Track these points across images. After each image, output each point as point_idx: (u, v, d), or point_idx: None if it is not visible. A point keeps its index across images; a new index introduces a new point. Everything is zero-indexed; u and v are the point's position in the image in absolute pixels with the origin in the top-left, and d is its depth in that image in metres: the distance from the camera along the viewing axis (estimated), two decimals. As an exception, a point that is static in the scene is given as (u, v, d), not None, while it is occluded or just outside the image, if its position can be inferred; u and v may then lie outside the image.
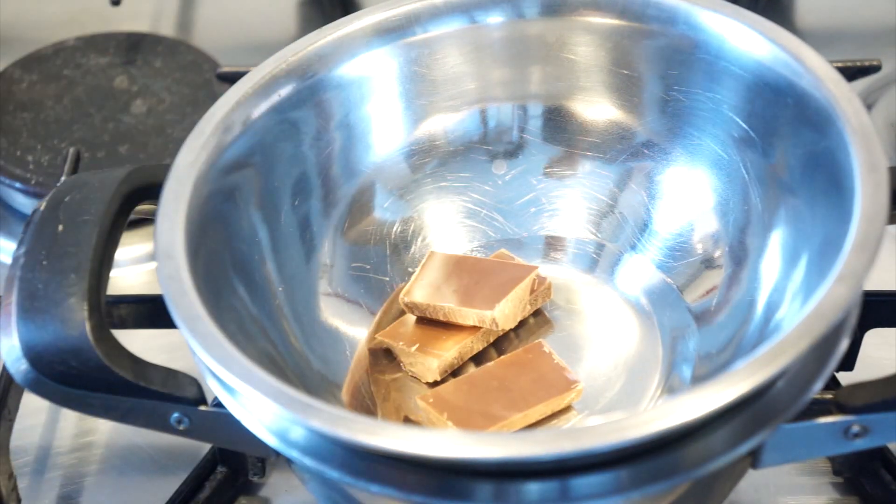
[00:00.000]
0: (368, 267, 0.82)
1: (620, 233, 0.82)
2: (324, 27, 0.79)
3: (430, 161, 0.84)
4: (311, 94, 0.78)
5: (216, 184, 0.73)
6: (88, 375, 0.68)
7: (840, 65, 0.95)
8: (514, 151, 0.84)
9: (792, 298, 0.71)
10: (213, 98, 0.76)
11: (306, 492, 0.76)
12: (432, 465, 0.62)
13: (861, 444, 0.68)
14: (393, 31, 0.80)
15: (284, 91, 0.77)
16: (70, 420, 0.87)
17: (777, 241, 0.75)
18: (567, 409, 0.75)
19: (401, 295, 0.79)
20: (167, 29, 1.16)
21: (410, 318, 0.79)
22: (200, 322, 0.65)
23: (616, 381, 0.77)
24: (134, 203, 0.76)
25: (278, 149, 0.77)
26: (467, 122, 0.83)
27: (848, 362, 0.82)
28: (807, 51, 0.73)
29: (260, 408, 0.65)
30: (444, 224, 0.84)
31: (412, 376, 0.78)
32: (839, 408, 0.67)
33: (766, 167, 0.75)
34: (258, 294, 0.75)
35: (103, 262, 0.72)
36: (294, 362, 0.75)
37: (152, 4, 1.20)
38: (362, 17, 0.79)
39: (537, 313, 0.80)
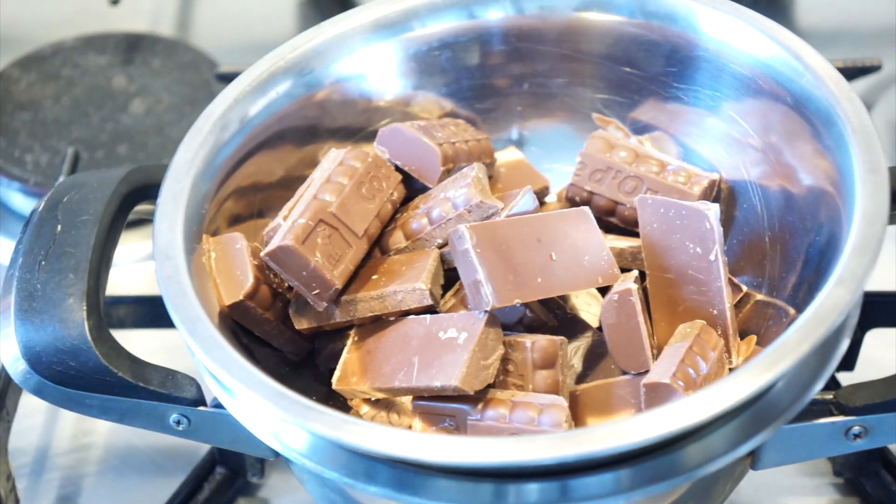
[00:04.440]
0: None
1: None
2: (321, 24, 0.79)
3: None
4: (308, 90, 0.78)
5: (214, 182, 0.73)
6: (87, 376, 0.68)
7: (840, 65, 0.95)
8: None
9: (791, 300, 0.71)
10: (212, 98, 0.75)
11: (305, 493, 0.76)
12: (432, 467, 0.62)
13: (861, 445, 0.68)
14: (391, 27, 0.80)
15: (282, 88, 0.77)
16: (68, 421, 0.87)
17: (776, 241, 0.74)
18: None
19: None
20: (166, 29, 1.16)
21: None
22: (200, 323, 0.65)
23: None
24: (133, 203, 0.76)
25: (276, 146, 0.77)
26: (466, 118, 0.83)
27: (848, 362, 0.82)
28: (807, 50, 0.73)
29: (259, 409, 0.65)
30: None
31: None
32: (839, 408, 0.67)
33: (766, 166, 0.75)
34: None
35: (102, 262, 0.72)
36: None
37: (151, 4, 1.19)
38: (360, 12, 0.79)
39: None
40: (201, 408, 0.69)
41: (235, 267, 0.71)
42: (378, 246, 0.75)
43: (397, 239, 0.74)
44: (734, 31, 0.75)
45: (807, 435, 0.67)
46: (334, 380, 0.70)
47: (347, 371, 0.70)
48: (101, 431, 0.86)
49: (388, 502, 0.66)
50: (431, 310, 0.70)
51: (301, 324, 0.72)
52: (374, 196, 0.74)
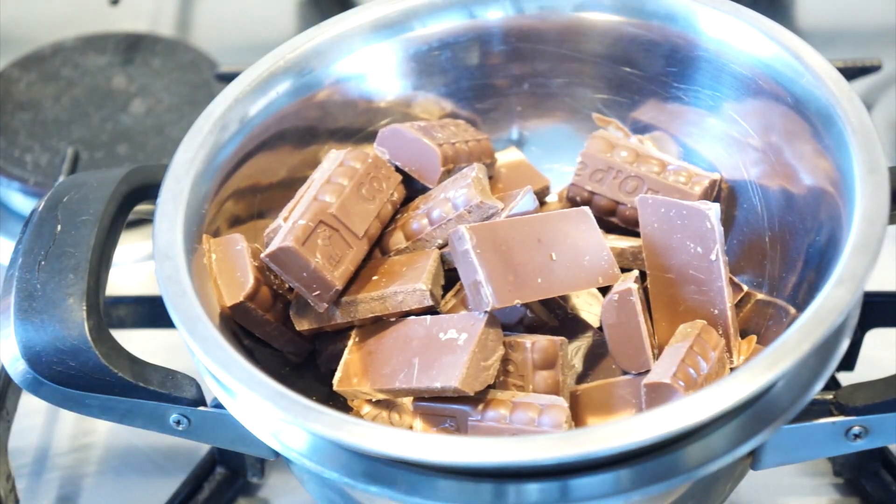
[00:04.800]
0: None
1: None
2: (321, 23, 0.79)
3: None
4: (308, 90, 0.78)
5: (214, 183, 0.73)
6: (87, 376, 0.68)
7: (840, 65, 0.95)
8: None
9: (792, 300, 0.71)
10: (212, 98, 0.75)
11: (305, 493, 0.76)
12: (432, 467, 0.62)
13: (861, 445, 0.68)
14: (391, 27, 0.80)
15: (282, 88, 0.77)
16: (68, 421, 0.87)
17: (777, 240, 0.74)
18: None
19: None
20: (166, 29, 1.16)
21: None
22: (200, 323, 0.65)
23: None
24: (133, 203, 0.76)
25: (276, 146, 0.77)
26: (466, 119, 0.83)
27: (848, 362, 0.82)
28: (807, 50, 0.73)
29: (259, 409, 0.65)
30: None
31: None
32: (839, 408, 0.67)
33: (766, 166, 0.75)
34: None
35: (102, 262, 0.72)
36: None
37: (151, 4, 1.19)
38: (360, 12, 0.79)
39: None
40: (201, 408, 0.69)
41: (236, 268, 0.71)
42: (378, 247, 0.75)
43: (398, 239, 0.74)
44: (734, 31, 0.75)
45: (807, 435, 0.67)
46: (336, 381, 0.70)
47: (349, 372, 0.70)
48: (101, 431, 0.86)
49: (388, 502, 0.66)
50: (432, 310, 0.70)
51: (302, 325, 0.72)
52: (375, 197, 0.74)
